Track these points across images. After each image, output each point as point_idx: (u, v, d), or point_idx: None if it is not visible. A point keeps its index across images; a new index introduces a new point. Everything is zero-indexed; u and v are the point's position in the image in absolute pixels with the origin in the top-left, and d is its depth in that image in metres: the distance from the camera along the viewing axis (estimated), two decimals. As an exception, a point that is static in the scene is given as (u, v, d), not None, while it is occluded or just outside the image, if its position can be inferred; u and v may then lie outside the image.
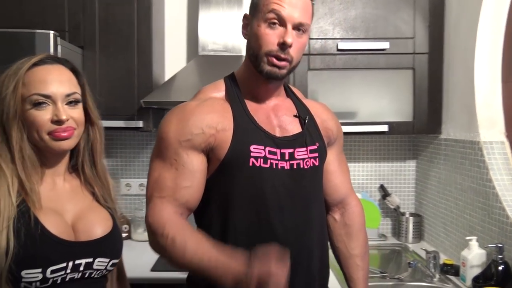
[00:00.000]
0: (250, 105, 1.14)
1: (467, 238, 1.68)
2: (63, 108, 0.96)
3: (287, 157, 1.11)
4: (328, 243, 1.26)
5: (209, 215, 1.12)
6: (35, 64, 0.96)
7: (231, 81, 1.17)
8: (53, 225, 0.94)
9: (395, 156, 2.37)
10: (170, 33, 2.31)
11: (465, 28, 1.83)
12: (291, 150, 1.12)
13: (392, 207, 2.31)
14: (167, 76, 2.27)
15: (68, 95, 0.97)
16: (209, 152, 1.08)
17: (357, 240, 1.28)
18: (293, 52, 1.08)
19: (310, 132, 1.17)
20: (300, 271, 1.13)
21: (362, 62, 2.00)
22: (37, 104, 0.94)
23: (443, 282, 1.71)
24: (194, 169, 1.07)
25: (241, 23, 1.16)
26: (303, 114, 1.19)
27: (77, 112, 0.99)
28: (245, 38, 1.14)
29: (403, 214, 2.29)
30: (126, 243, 2.02)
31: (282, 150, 1.11)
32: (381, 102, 2.05)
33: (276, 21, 1.06)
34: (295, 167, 1.12)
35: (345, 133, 1.98)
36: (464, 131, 1.84)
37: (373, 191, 2.37)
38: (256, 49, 1.08)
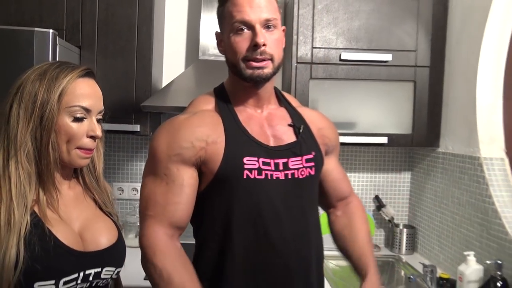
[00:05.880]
0: (242, 116, 1.12)
1: (465, 253, 1.68)
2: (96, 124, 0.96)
3: (281, 167, 1.10)
4: (324, 254, 1.24)
5: (205, 228, 1.11)
6: (78, 76, 0.94)
7: (221, 92, 1.16)
8: (64, 236, 0.92)
9: (390, 168, 2.37)
10: (170, 36, 2.26)
11: (468, 42, 1.84)
12: (285, 160, 1.10)
13: (386, 218, 2.31)
14: (165, 80, 2.23)
15: (100, 112, 0.98)
16: (201, 166, 1.07)
17: (362, 225, 1.29)
18: (270, 49, 1.07)
19: (305, 141, 1.16)
20: (299, 282, 1.12)
21: (364, 73, 1.99)
22: (77, 116, 0.93)
23: (440, 297, 1.71)
24: (183, 184, 1.06)
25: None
26: (298, 123, 1.17)
27: (101, 130, 0.99)
28: (222, 53, 1.13)
29: (397, 225, 2.30)
30: (117, 249, 2.01)
31: (276, 160, 1.09)
32: (381, 114, 2.05)
33: (243, 27, 1.06)
34: (289, 177, 1.10)
35: (344, 144, 2.01)
36: (464, 146, 1.85)
37: (367, 201, 2.37)
38: (233, 59, 1.08)
